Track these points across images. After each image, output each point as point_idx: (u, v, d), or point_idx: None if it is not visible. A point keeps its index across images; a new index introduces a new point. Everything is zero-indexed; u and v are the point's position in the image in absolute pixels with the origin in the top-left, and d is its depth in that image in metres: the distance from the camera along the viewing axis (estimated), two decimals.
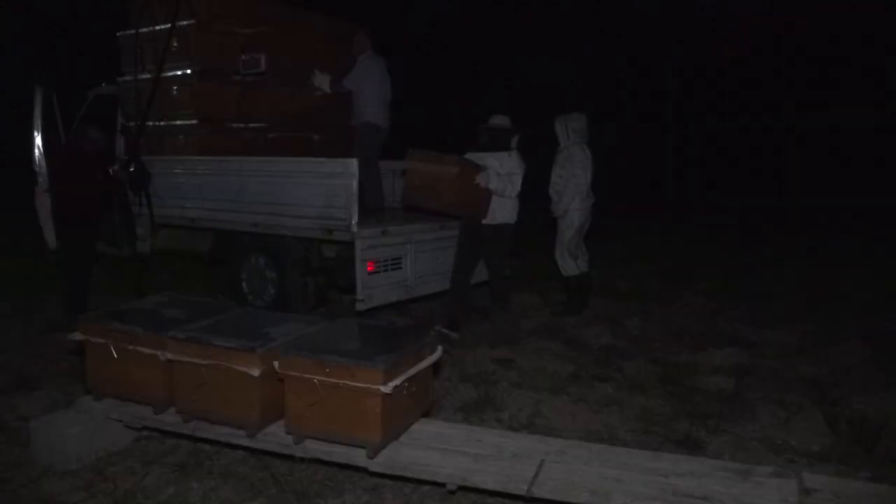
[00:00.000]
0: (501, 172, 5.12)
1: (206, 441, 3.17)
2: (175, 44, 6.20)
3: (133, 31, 6.42)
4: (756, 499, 2.37)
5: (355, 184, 4.91)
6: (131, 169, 6.06)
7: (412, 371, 2.82)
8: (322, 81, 6.51)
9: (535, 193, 5.73)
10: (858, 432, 3.58)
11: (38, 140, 6.22)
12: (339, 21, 7.33)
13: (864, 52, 20.56)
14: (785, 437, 3.60)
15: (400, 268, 5.35)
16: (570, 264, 5.99)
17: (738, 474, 2.53)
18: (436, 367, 3.18)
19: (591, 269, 6.21)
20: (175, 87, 6.30)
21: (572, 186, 5.78)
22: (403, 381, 2.73)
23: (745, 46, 22.05)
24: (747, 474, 2.52)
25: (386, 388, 2.60)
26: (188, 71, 6.21)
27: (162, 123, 6.42)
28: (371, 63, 6.21)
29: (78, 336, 3.25)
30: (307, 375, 2.71)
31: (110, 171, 5.96)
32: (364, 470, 2.83)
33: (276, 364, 2.77)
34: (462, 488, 2.68)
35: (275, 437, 2.89)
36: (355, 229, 4.92)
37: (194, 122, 6.29)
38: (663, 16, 21.87)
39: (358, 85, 6.19)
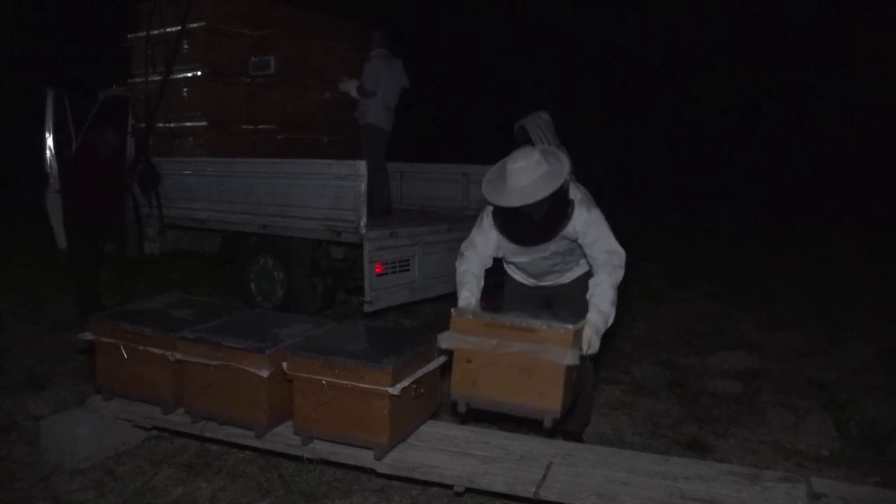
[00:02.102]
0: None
1: (214, 441, 3.19)
2: (185, 46, 6.25)
3: (143, 34, 6.47)
4: (764, 503, 2.36)
5: (364, 185, 4.92)
6: (139, 168, 6.11)
7: (420, 373, 2.82)
8: (349, 87, 6.47)
9: None
10: (867, 436, 3.56)
11: (50, 141, 6.28)
12: (346, 22, 7.35)
13: (866, 53, 20.50)
14: (793, 441, 3.59)
15: (408, 269, 5.35)
16: None
17: (746, 479, 2.52)
18: (443, 368, 3.18)
19: None
20: (185, 89, 6.36)
21: None
22: (411, 383, 2.73)
23: (748, 46, 22.04)
24: (756, 479, 2.52)
25: (394, 390, 2.60)
26: (198, 73, 6.26)
27: (171, 125, 6.47)
28: (380, 64, 6.17)
29: (88, 336, 3.27)
30: (315, 376, 2.71)
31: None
32: (372, 471, 2.84)
33: (284, 365, 2.77)
34: (469, 490, 2.68)
35: (283, 437, 2.89)
36: (363, 231, 4.93)
37: (204, 123, 6.34)
38: (664, 15, 21.88)
39: (369, 86, 6.19)
